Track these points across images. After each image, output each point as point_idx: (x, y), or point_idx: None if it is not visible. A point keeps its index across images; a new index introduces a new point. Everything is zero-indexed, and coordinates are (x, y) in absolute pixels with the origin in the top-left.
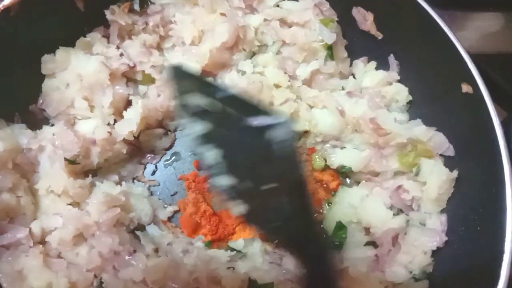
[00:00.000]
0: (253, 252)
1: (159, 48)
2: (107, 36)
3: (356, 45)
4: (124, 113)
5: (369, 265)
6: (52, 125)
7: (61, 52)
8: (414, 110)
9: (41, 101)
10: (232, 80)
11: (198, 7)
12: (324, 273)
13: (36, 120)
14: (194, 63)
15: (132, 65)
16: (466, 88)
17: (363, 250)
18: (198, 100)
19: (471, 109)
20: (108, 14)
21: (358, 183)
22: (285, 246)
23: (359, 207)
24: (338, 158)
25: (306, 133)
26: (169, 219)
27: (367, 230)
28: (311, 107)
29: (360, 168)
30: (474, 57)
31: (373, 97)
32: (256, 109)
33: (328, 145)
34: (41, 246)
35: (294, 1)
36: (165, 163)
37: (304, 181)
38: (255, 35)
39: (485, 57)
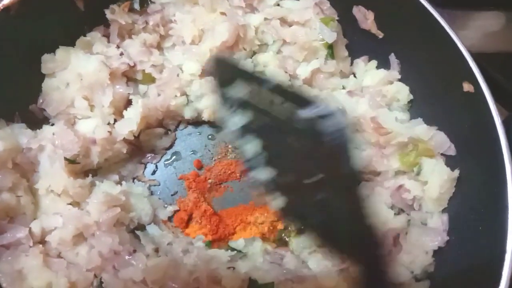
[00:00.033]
0: (254, 252)
1: (159, 47)
2: (107, 36)
3: (357, 44)
4: (124, 112)
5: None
6: (52, 124)
7: (61, 51)
8: (415, 109)
9: (41, 101)
10: None
11: (198, 6)
12: (375, 270)
13: (36, 120)
14: (194, 62)
15: (132, 64)
16: (467, 87)
17: None
18: (240, 91)
19: (472, 108)
20: (108, 14)
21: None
22: (326, 242)
23: None
24: None
25: None
26: (169, 219)
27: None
28: None
29: (361, 167)
30: (475, 56)
31: (374, 96)
32: (305, 100)
33: None
34: (41, 245)
35: (294, 0)
36: (165, 162)
37: (356, 174)
38: (256, 34)
39: (486, 56)
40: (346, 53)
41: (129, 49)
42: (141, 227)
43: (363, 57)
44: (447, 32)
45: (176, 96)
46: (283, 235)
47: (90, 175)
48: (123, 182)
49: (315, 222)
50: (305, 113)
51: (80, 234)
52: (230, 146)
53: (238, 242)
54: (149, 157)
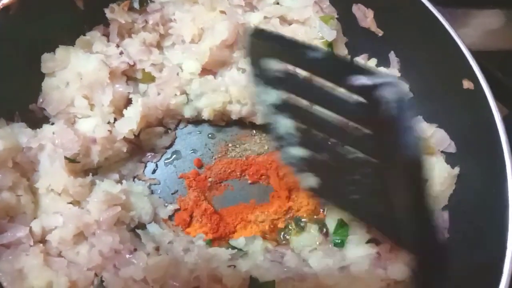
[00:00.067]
0: (254, 250)
1: (159, 46)
2: (106, 35)
3: (357, 42)
4: (124, 111)
5: (371, 263)
6: (52, 123)
7: (60, 50)
8: (415, 107)
9: (41, 100)
10: (232, 78)
11: (197, 5)
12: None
13: (36, 119)
14: (194, 61)
15: (132, 63)
16: (467, 84)
17: (365, 247)
18: (276, 66)
19: (472, 106)
20: (107, 13)
21: None
22: (361, 218)
23: None
24: None
25: None
26: (170, 217)
27: (368, 228)
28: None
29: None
30: (475, 54)
31: None
32: (356, 67)
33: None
34: (41, 245)
35: None
36: (165, 161)
37: (416, 153)
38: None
39: (486, 54)
40: (346, 51)
41: (129, 48)
42: (142, 226)
43: (363, 55)
44: (447, 30)
45: (176, 95)
46: (283, 233)
47: (90, 174)
48: (124, 181)
49: (349, 200)
50: (359, 81)
51: (80, 233)
52: (230, 145)
53: (239, 240)
54: (149, 156)
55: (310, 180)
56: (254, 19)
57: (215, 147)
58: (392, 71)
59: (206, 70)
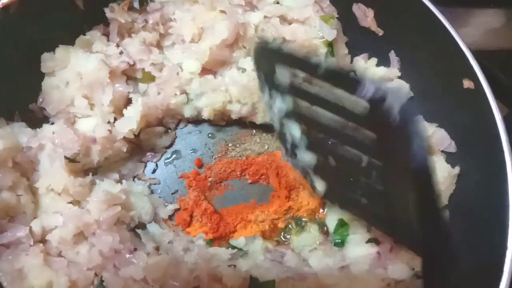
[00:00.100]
0: (254, 249)
1: (158, 46)
2: (106, 34)
3: (357, 41)
4: (124, 111)
5: (371, 263)
6: (52, 123)
7: (60, 50)
8: (416, 106)
9: (41, 100)
10: (232, 78)
11: (197, 5)
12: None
13: (36, 119)
14: (194, 61)
15: (132, 63)
16: (467, 84)
17: (365, 247)
18: (286, 76)
19: (472, 105)
20: (107, 12)
21: None
22: (369, 221)
23: None
24: None
25: None
26: (170, 217)
27: (369, 227)
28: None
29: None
30: (476, 54)
31: None
32: (360, 81)
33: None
34: (41, 244)
35: None
36: (165, 161)
37: (425, 156)
38: (255, 32)
39: (486, 54)
40: (346, 51)
41: (129, 47)
42: (142, 225)
43: (363, 55)
44: (448, 29)
45: (176, 94)
46: (283, 233)
47: (90, 173)
48: (124, 181)
49: (357, 203)
50: (365, 93)
51: (80, 233)
52: (230, 145)
53: (239, 240)
54: (149, 156)
55: (320, 183)
56: (254, 19)
57: (215, 146)
58: (392, 71)
59: (206, 70)
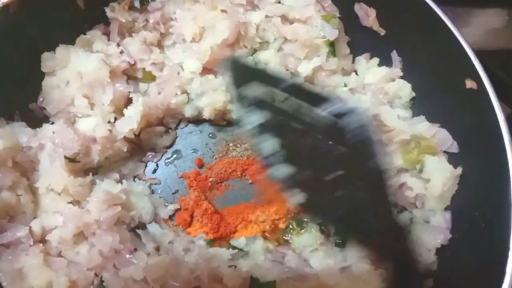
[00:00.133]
0: (255, 250)
1: (159, 45)
2: (107, 34)
3: (359, 41)
4: (125, 111)
5: (372, 263)
6: (52, 123)
7: (61, 49)
8: (418, 106)
9: (41, 99)
10: None
11: (198, 4)
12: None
13: (36, 118)
14: (194, 60)
15: (132, 62)
16: (470, 84)
17: None
18: (255, 90)
19: (475, 105)
20: (108, 12)
21: None
22: (349, 233)
23: None
24: None
25: None
26: (170, 217)
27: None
28: None
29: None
30: (477, 54)
31: (376, 94)
32: (324, 98)
33: None
34: (41, 244)
35: None
36: (166, 161)
37: (380, 169)
38: (256, 32)
39: (488, 53)
40: (348, 51)
41: (129, 47)
42: (142, 225)
43: (365, 55)
44: (450, 29)
45: (176, 94)
46: (284, 233)
47: (91, 173)
48: (124, 181)
49: (335, 217)
50: (326, 110)
51: (80, 233)
52: (231, 145)
53: (240, 240)
54: (150, 156)
55: (298, 196)
56: (255, 18)
57: (215, 146)
58: (394, 71)
59: (207, 69)
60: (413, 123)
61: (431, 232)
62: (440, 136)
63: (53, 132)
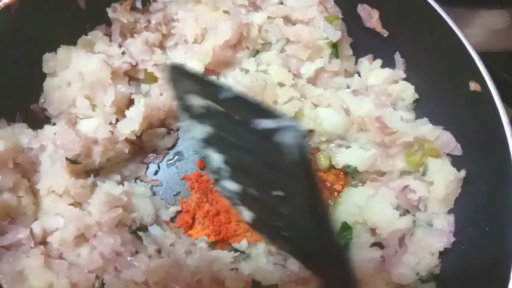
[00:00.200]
0: (257, 253)
1: (161, 46)
2: (109, 35)
3: (361, 42)
4: (126, 112)
5: (375, 267)
6: (54, 124)
7: (62, 50)
8: (421, 108)
9: (42, 100)
10: (235, 79)
11: (200, 5)
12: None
13: (37, 119)
14: (196, 61)
15: (134, 63)
16: (474, 86)
17: (369, 251)
18: (198, 101)
19: (479, 108)
20: (110, 12)
21: (363, 183)
22: (295, 256)
23: (364, 208)
24: (343, 157)
25: (310, 132)
26: (172, 219)
27: (373, 231)
28: (316, 105)
29: (366, 167)
30: (480, 55)
31: (379, 96)
32: (262, 111)
33: (333, 145)
34: (42, 246)
35: None
36: (167, 162)
37: (317, 188)
38: (259, 33)
39: (491, 55)
40: (351, 52)
41: (131, 48)
42: (143, 227)
43: (367, 56)
44: (453, 30)
45: None
46: None
47: (92, 175)
48: (125, 183)
49: (282, 236)
50: (262, 125)
51: (81, 235)
52: None
53: (241, 243)
54: (151, 157)
55: (245, 213)
56: (258, 19)
57: None
58: (397, 72)
59: (209, 71)
60: (416, 125)
61: (434, 235)
62: (443, 139)
63: (54, 133)
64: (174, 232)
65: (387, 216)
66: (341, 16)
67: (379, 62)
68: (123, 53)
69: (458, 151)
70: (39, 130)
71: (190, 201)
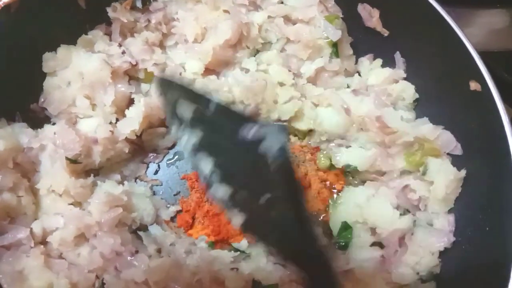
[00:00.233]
0: (257, 252)
1: (161, 45)
2: (109, 34)
3: (362, 42)
4: (126, 111)
5: (376, 266)
6: (54, 124)
7: (62, 50)
8: (421, 108)
9: (42, 100)
10: (235, 78)
11: (201, 4)
12: (326, 284)
13: (37, 119)
14: (197, 61)
15: (134, 63)
16: (474, 86)
17: (369, 251)
18: (188, 110)
19: (479, 107)
20: (110, 12)
21: (363, 182)
22: (285, 258)
23: (365, 207)
24: (344, 157)
25: (310, 132)
26: (172, 219)
27: (373, 231)
28: (316, 105)
29: (366, 167)
30: (481, 55)
31: (379, 95)
32: (246, 120)
33: (333, 144)
34: (42, 246)
35: None
36: (167, 162)
37: (299, 192)
38: (259, 32)
39: (492, 55)
40: (351, 52)
41: (131, 47)
42: (143, 227)
43: (368, 56)
44: (454, 30)
45: None
46: None
47: (92, 175)
48: (125, 182)
49: (272, 238)
50: (247, 133)
51: (81, 235)
52: None
53: (242, 242)
54: (152, 157)
55: (237, 216)
56: (258, 19)
57: None
58: (398, 72)
59: (209, 70)
60: (417, 125)
61: (434, 235)
62: (443, 138)
63: (54, 133)
64: (174, 231)
65: (387, 216)
66: (341, 16)
67: (379, 61)
68: (123, 52)
69: (458, 150)
70: (39, 130)
71: (190, 200)
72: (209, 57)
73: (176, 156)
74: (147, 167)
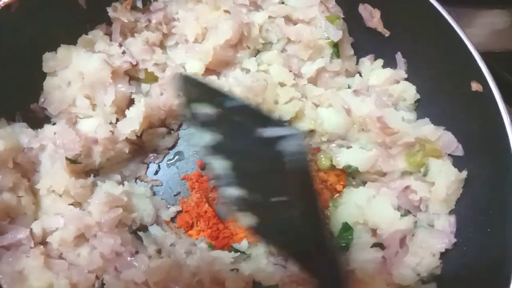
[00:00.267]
0: (258, 253)
1: (162, 46)
2: (109, 34)
3: (363, 42)
4: (127, 112)
5: (376, 267)
6: (54, 124)
7: (62, 50)
8: (422, 109)
9: (42, 100)
10: (236, 79)
11: (201, 4)
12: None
13: (37, 119)
14: (197, 61)
15: (134, 63)
16: (475, 86)
17: (370, 251)
18: (206, 109)
19: (480, 108)
20: (110, 12)
21: (364, 183)
22: (295, 260)
23: (365, 208)
24: (344, 158)
25: (311, 132)
26: (172, 219)
27: (374, 232)
28: (317, 105)
29: (367, 168)
30: (483, 55)
31: (380, 96)
32: (267, 119)
33: (334, 145)
34: (42, 246)
35: None
36: (168, 162)
37: (315, 195)
38: (260, 33)
39: (493, 55)
40: (352, 52)
41: (132, 47)
42: (143, 228)
43: (369, 56)
44: (455, 30)
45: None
46: None
47: (92, 175)
48: (125, 182)
49: (283, 240)
50: (267, 133)
51: (81, 235)
52: None
53: (242, 243)
54: (152, 157)
55: (248, 218)
56: (259, 19)
57: None
58: (399, 72)
59: (209, 70)
60: (418, 125)
61: (435, 236)
62: (445, 139)
63: (54, 133)
64: (174, 232)
65: (388, 217)
66: (342, 16)
67: (380, 62)
68: (124, 52)
69: (459, 151)
70: (39, 130)
71: (190, 201)
72: (210, 57)
73: (177, 157)
74: (147, 168)
